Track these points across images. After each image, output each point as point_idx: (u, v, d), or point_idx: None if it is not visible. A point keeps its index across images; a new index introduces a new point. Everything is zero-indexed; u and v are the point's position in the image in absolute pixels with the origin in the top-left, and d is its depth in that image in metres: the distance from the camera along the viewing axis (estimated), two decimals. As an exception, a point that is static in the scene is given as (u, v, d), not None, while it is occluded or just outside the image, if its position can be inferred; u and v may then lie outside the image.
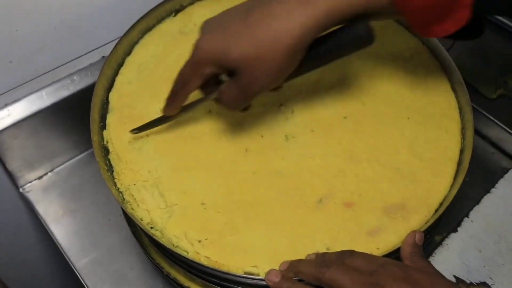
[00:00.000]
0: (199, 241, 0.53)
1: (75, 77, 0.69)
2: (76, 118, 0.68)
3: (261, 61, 0.48)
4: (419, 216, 0.55)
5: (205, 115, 0.62)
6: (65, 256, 0.67)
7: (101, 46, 0.70)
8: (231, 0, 0.69)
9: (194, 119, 0.61)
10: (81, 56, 0.69)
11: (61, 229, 0.69)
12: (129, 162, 0.58)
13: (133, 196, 0.56)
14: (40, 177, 0.74)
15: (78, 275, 0.65)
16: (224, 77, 0.52)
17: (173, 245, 0.53)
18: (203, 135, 0.60)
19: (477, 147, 0.75)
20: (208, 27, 0.52)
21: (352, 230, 0.54)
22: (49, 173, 0.74)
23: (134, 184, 0.57)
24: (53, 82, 0.68)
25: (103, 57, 0.71)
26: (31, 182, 0.73)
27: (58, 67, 0.68)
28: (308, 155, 0.59)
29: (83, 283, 0.64)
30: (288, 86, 0.63)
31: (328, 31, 0.49)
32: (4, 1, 0.58)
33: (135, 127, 0.59)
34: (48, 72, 0.67)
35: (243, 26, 0.48)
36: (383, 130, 0.61)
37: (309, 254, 0.50)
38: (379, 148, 0.59)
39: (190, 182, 0.57)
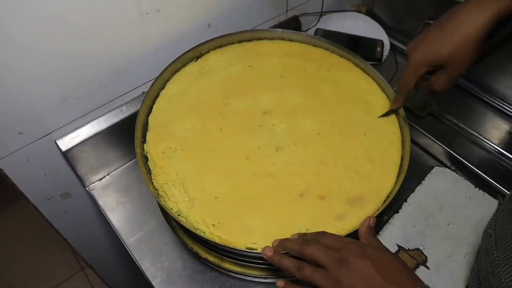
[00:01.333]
0: (213, 225, 0.52)
1: (123, 108, 0.67)
2: (125, 136, 0.67)
3: (460, 54, 0.50)
4: (373, 205, 0.54)
5: (218, 132, 0.60)
6: (118, 235, 0.65)
7: (142, 85, 0.69)
8: (235, 48, 0.70)
9: (209, 136, 0.60)
10: (127, 92, 0.68)
11: (115, 216, 0.68)
12: (162, 167, 0.57)
13: (165, 192, 0.55)
14: (100, 179, 0.72)
15: (128, 249, 0.64)
16: (427, 76, 0.55)
17: (194, 228, 0.52)
18: (216, 147, 0.59)
19: (412, 151, 0.73)
20: (413, 45, 0.54)
21: (325, 216, 0.53)
22: (107, 176, 0.73)
23: (166, 183, 0.56)
24: (108, 112, 0.67)
25: (143, 92, 0.69)
26: (94, 183, 0.72)
27: (111, 101, 0.67)
28: (292, 161, 0.58)
29: (132, 255, 0.63)
30: (277, 110, 0.63)
31: None
32: (73, 56, 0.57)
33: (167, 141, 0.58)
34: (104, 104, 0.66)
35: (441, 34, 0.51)
36: (346, 143, 0.60)
37: (293, 234, 0.49)
38: (343, 156, 0.59)
39: (206, 182, 0.56)
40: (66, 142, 0.64)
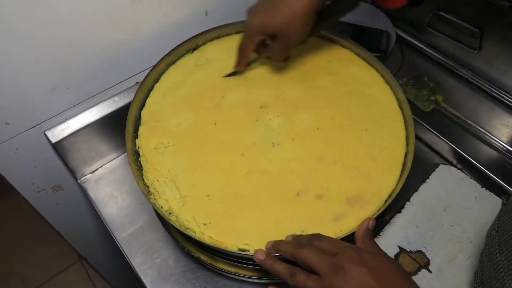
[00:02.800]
0: (204, 224, 0.50)
1: (116, 98, 0.65)
2: (118, 128, 0.64)
3: (290, 27, 0.53)
4: (373, 206, 0.51)
5: (212, 127, 0.58)
6: (109, 231, 0.63)
7: (135, 75, 0.66)
8: (233, 39, 0.67)
9: (203, 131, 0.57)
10: (120, 82, 0.65)
11: (107, 211, 0.66)
12: (154, 163, 0.54)
13: (156, 189, 0.52)
14: (92, 172, 0.70)
15: (119, 245, 0.62)
16: (269, 41, 0.58)
17: (185, 227, 0.50)
18: (209, 142, 0.56)
19: (416, 148, 0.71)
20: (251, 12, 0.56)
21: (322, 216, 0.50)
22: (100, 169, 0.71)
23: (157, 180, 0.53)
24: (100, 102, 0.64)
25: (137, 82, 0.67)
26: (86, 175, 0.70)
27: (103, 91, 0.64)
28: (289, 158, 0.55)
29: (123, 251, 0.61)
30: (275, 103, 0.60)
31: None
32: (62, 43, 0.55)
33: (159, 137, 0.56)
34: (96, 95, 0.64)
35: (272, 7, 0.53)
36: (347, 139, 0.57)
37: (287, 236, 0.47)
38: (343, 152, 0.56)
39: (199, 179, 0.54)
40: (56, 134, 0.61)
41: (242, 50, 0.60)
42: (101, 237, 0.87)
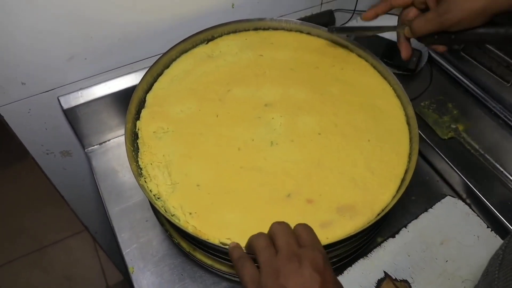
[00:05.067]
0: (190, 213, 0.50)
1: (132, 76, 0.66)
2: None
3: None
4: (364, 218, 0.50)
5: (214, 118, 0.58)
6: (103, 203, 0.65)
7: (152, 56, 0.67)
8: (249, 35, 0.66)
9: (203, 121, 0.57)
10: (137, 61, 0.67)
11: (105, 183, 0.67)
12: (150, 146, 0.55)
13: (148, 172, 0.53)
14: (100, 144, 0.72)
15: (109, 218, 0.63)
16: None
17: (170, 214, 0.50)
18: (208, 134, 0.56)
19: (426, 174, 0.68)
20: None
21: (309, 221, 0.48)
22: (107, 142, 0.72)
23: (151, 164, 0.54)
24: (115, 78, 0.66)
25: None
26: (93, 146, 0.72)
27: (119, 67, 0.66)
28: (285, 159, 0.55)
29: (111, 224, 0.62)
30: (280, 103, 0.59)
31: None
32: (84, 16, 0.56)
33: (160, 121, 0.56)
34: (112, 70, 0.65)
35: None
36: (347, 147, 0.56)
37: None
38: (341, 160, 0.55)
39: (192, 168, 0.54)
40: (68, 101, 0.63)
41: None
42: (101, 209, 0.89)
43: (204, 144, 0.55)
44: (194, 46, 0.65)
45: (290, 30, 0.68)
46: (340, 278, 0.56)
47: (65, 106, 0.63)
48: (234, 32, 0.66)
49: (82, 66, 0.62)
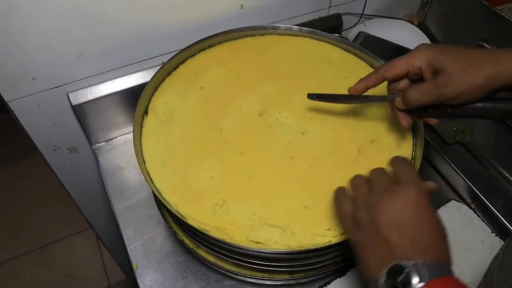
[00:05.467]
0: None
1: (140, 74, 0.67)
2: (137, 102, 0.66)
3: (465, 72, 0.42)
4: None
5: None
6: (109, 199, 0.65)
7: (161, 55, 0.68)
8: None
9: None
10: (146, 60, 0.67)
11: (111, 180, 0.68)
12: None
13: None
14: (107, 141, 0.73)
15: (114, 215, 0.63)
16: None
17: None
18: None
19: (431, 178, 0.68)
20: (424, 45, 0.46)
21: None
22: (114, 139, 0.73)
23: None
24: (124, 75, 0.66)
25: (162, 62, 0.68)
26: (100, 143, 0.72)
27: (128, 65, 0.66)
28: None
29: (116, 221, 0.63)
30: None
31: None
32: (95, 13, 0.57)
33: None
34: (121, 67, 0.66)
35: (463, 49, 0.44)
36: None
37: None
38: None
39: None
40: (77, 97, 0.64)
41: (383, 69, 0.47)
42: (106, 207, 0.89)
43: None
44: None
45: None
46: (344, 278, 0.56)
47: (74, 102, 0.64)
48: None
49: (92, 63, 0.63)
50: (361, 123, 0.58)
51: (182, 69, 0.63)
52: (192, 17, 0.65)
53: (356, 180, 0.44)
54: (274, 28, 0.67)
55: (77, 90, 0.64)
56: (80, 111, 0.65)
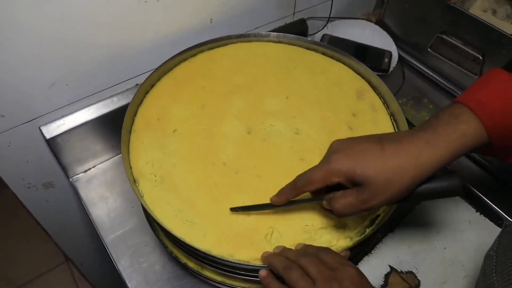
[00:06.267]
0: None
1: (114, 99, 0.65)
2: (113, 128, 0.64)
3: (387, 183, 0.41)
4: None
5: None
6: (97, 231, 0.62)
7: (135, 77, 0.66)
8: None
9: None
10: (120, 83, 0.65)
11: (96, 211, 0.65)
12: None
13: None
14: (85, 171, 0.69)
15: (106, 247, 0.61)
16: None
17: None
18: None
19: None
20: (340, 147, 0.44)
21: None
22: (92, 169, 0.70)
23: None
24: (98, 101, 0.64)
25: (136, 84, 0.67)
26: (78, 174, 0.69)
27: (102, 90, 0.64)
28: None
29: (109, 253, 0.60)
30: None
31: None
32: (66, 40, 0.55)
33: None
34: (95, 93, 0.64)
35: (380, 153, 0.42)
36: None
37: (297, 244, 0.47)
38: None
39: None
40: (51, 130, 0.61)
41: (304, 182, 0.45)
42: (89, 238, 0.85)
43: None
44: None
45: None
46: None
47: (48, 136, 0.60)
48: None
49: (64, 92, 0.60)
50: (334, 101, 0.61)
51: (140, 117, 0.58)
52: (163, 35, 0.64)
53: (292, 273, 0.41)
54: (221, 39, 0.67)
55: (50, 122, 0.61)
56: (54, 144, 0.62)
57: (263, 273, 0.45)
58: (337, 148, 0.45)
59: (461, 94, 0.46)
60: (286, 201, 0.48)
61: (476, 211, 0.64)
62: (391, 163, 0.41)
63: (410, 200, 0.44)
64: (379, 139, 0.44)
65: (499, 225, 0.62)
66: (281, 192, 0.48)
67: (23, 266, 1.44)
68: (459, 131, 0.41)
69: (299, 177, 0.46)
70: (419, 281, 0.56)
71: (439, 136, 0.41)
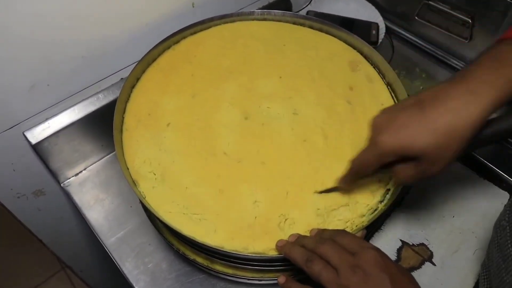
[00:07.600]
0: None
1: (100, 95, 0.61)
2: (102, 127, 0.62)
3: (441, 149, 0.39)
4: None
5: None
6: (96, 235, 0.60)
7: (120, 70, 0.63)
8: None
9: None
10: (104, 78, 0.62)
11: (93, 215, 0.62)
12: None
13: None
14: (76, 174, 0.66)
15: (107, 250, 0.58)
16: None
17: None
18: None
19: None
20: (382, 124, 0.42)
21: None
22: (84, 171, 0.67)
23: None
24: (83, 100, 0.61)
25: (121, 79, 0.63)
26: (69, 178, 0.66)
27: (86, 88, 0.61)
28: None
29: (111, 256, 0.58)
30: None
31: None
32: (42, 36, 0.51)
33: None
34: (78, 92, 0.60)
35: (424, 120, 0.39)
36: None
37: (311, 229, 0.46)
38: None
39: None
40: (36, 134, 0.57)
41: (360, 168, 0.45)
42: (87, 243, 0.82)
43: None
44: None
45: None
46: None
47: (33, 141, 0.57)
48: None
49: (46, 93, 0.56)
50: (328, 76, 0.60)
51: (130, 114, 0.55)
52: (146, 24, 0.61)
53: (315, 264, 0.40)
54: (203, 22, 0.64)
55: (34, 126, 0.57)
56: (41, 149, 0.59)
57: (281, 279, 0.44)
58: (380, 127, 0.42)
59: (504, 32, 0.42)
60: (352, 184, 0.49)
61: (480, 177, 0.63)
62: (439, 127, 0.39)
63: (472, 149, 0.43)
64: (418, 102, 0.41)
65: (503, 188, 0.62)
66: (343, 180, 0.48)
67: (17, 278, 1.40)
68: (505, 76, 0.38)
69: (354, 163, 0.46)
70: (431, 252, 0.56)
71: (483, 85, 0.38)
